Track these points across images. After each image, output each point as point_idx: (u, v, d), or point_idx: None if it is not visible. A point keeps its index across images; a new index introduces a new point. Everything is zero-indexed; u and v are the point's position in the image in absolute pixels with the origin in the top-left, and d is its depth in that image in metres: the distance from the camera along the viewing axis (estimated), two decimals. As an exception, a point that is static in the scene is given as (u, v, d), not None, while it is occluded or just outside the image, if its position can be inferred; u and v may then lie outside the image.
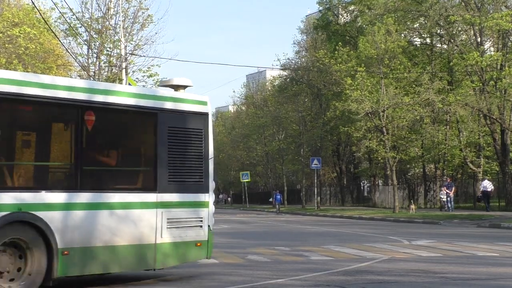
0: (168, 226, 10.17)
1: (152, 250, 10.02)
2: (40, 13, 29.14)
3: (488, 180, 36.71)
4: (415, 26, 43.84)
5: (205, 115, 11.01)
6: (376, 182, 55.68)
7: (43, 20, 29.90)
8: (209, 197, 10.84)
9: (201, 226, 10.65)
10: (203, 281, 10.49)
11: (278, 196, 51.09)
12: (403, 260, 13.18)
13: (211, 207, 10.88)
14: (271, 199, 66.56)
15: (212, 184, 10.91)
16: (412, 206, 36.52)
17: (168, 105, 10.52)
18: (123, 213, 9.74)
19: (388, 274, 10.98)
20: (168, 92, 11.10)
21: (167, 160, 10.25)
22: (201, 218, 10.65)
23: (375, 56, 38.10)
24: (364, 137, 39.67)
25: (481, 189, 36.10)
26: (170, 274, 11.22)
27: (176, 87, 11.12)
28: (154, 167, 10.20)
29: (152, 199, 10.08)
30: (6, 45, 30.52)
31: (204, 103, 11.05)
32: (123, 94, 10.13)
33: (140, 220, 9.91)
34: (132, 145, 10.65)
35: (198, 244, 10.59)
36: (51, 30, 31.37)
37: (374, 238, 19.31)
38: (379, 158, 42.16)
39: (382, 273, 11.02)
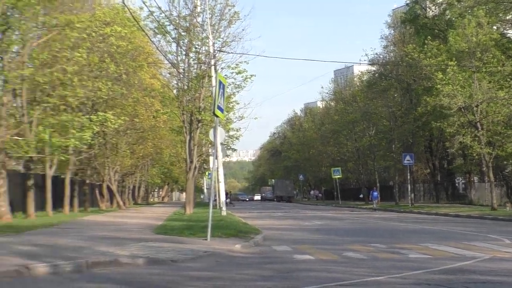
0: None
1: None
2: (130, 12, 29.73)
3: None
4: (507, 17, 42.33)
5: None
6: (472, 179, 54.21)
7: (133, 19, 30.52)
8: None
9: None
10: (299, 277, 10.45)
11: (375, 193, 49.15)
12: (506, 259, 12.69)
13: None
14: (361, 195, 65.97)
15: None
16: (508, 205, 35.47)
17: None
18: None
19: (492, 274, 10.59)
20: None
21: None
22: None
23: (466, 49, 37.13)
24: (457, 132, 38.71)
25: None
26: (269, 268, 11.23)
27: None
28: None
29: None
30: (99, 43, 31.36)
31: None
32: None
33: None
34: None
35: None
36: (142, 28, 32.03)
37: (473, 237, 18.73)
38: (474, 154, 40.93)
39: (484, 273, 10.64)
